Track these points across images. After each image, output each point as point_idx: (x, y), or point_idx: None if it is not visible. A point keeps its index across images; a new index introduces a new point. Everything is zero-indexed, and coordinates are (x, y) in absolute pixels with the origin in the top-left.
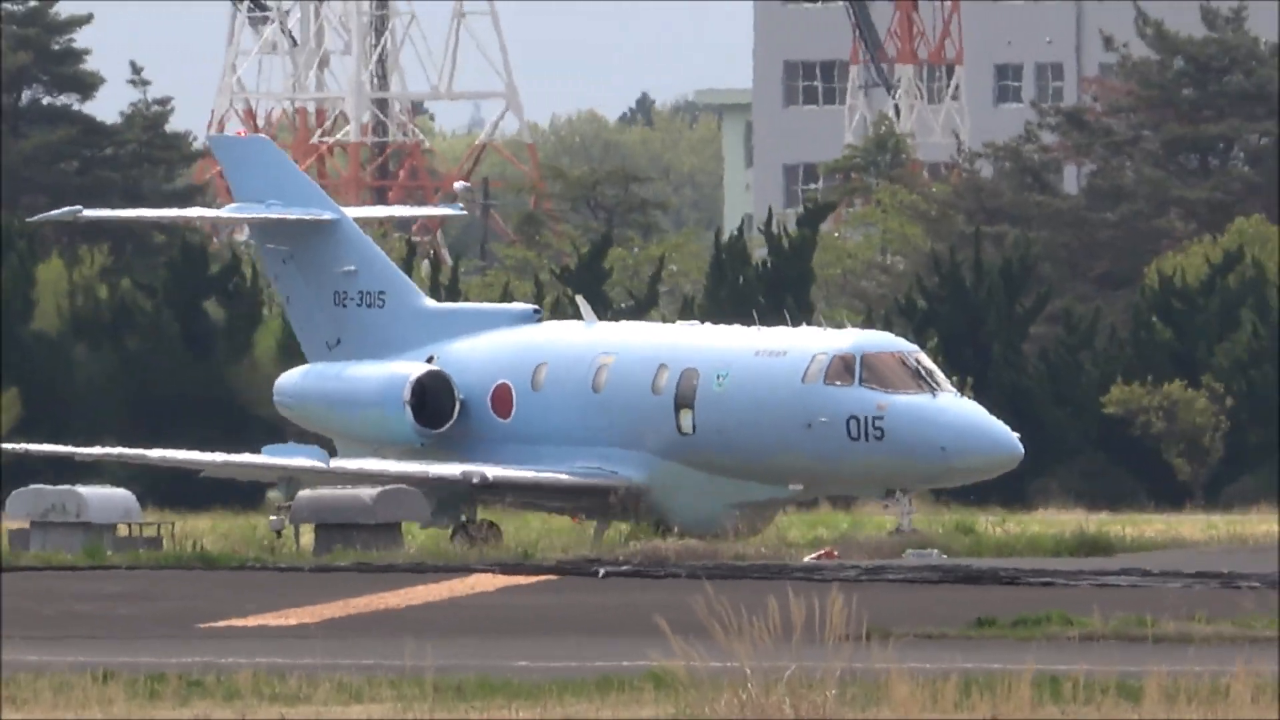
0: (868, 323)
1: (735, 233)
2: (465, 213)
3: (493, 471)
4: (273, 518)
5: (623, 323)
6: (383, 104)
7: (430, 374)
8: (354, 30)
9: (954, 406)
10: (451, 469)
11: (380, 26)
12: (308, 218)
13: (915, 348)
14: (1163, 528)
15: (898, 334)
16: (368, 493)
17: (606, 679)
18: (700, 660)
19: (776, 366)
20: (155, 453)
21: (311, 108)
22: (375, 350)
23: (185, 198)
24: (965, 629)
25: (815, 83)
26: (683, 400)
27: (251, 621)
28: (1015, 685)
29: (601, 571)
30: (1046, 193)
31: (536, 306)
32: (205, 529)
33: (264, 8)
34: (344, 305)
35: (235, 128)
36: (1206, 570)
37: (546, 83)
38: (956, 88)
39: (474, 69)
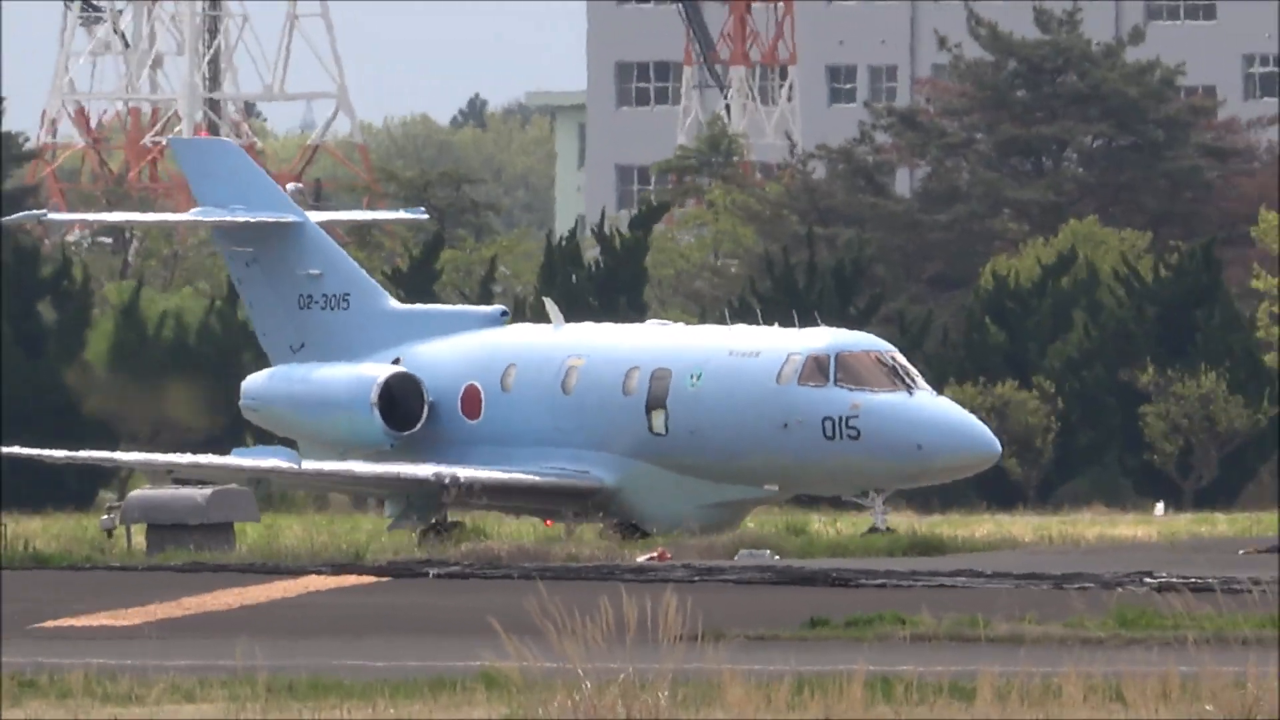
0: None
1: (568, 234)
2: (427, 217)
3: (464, 473)
4: (104, 517)
5: (591, 324)
6: (215, 105)
7: (398, 376)
8: (187, 31)
9: (930, 405)
10: (423, 470)
11: (213, 27)
12: (271, 220)
13: (891, 347)
14: (994, 529)
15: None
16: (200, 493)
17: (439, 679)
18: (533, 661)
19: (750, 366)
20: (126, 456)
21: (145, 109)
22: (340, 353)
23: (17, 200)
24: (798, 630)
25: (648, 84)
26: (655, 401)
27: (84, 621)
28: (848, 686)
29: (432, 573)
30: (880, 194)
31: (504, 308)
32: (37, 529)
33: (96, 8)
34: (308, 308)
35: (67, 129)
36: (1038, 571)
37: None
38: (790, 89)
39: (306, 70)
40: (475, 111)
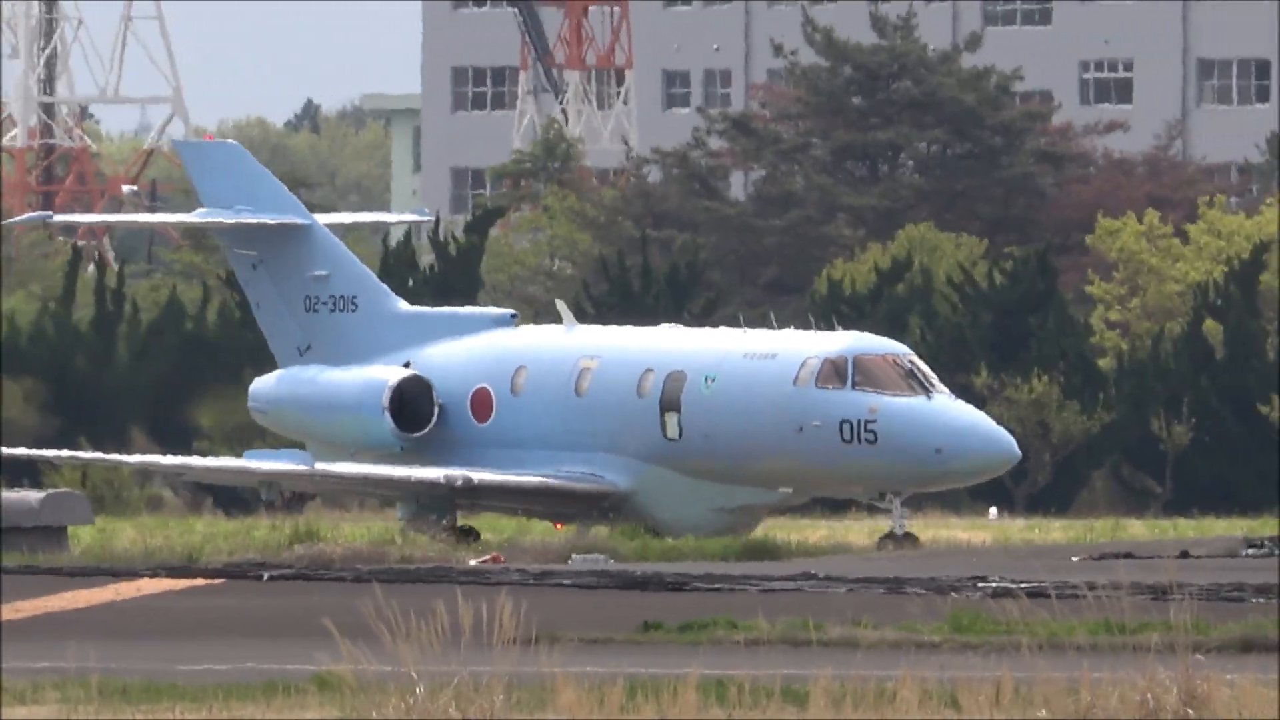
0: None
1: (402, 238)
2: (430, 218)
3: (476, 475)
4: None
5: (605, 326)
6: (49, 108)
7: (409, 379)
8: (21, 33)
9: (948, 408)
10: (434, 473)
11: (48, 30)
12: (278, 222)
13: (907, 350)
14: (828, 533)
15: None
16: (32, 495)
17: (272, 682)
18: (367, 664)
19: (767, 369)
20: (134, 458)
21: None
22: (347, 355)
23: None
24: (632, 633)
25: (484, 88)
26: (669, 403)
27: None
28: (681, 689)
29: (266, 575)
30: (714, 199)
31: (514, 311)
32: None
33: None
34: (315, 310)
35: None
36: (873, 576)
37: (214, 88)
38: (625, 93)
39: (141, 73)
40: (310, 115)
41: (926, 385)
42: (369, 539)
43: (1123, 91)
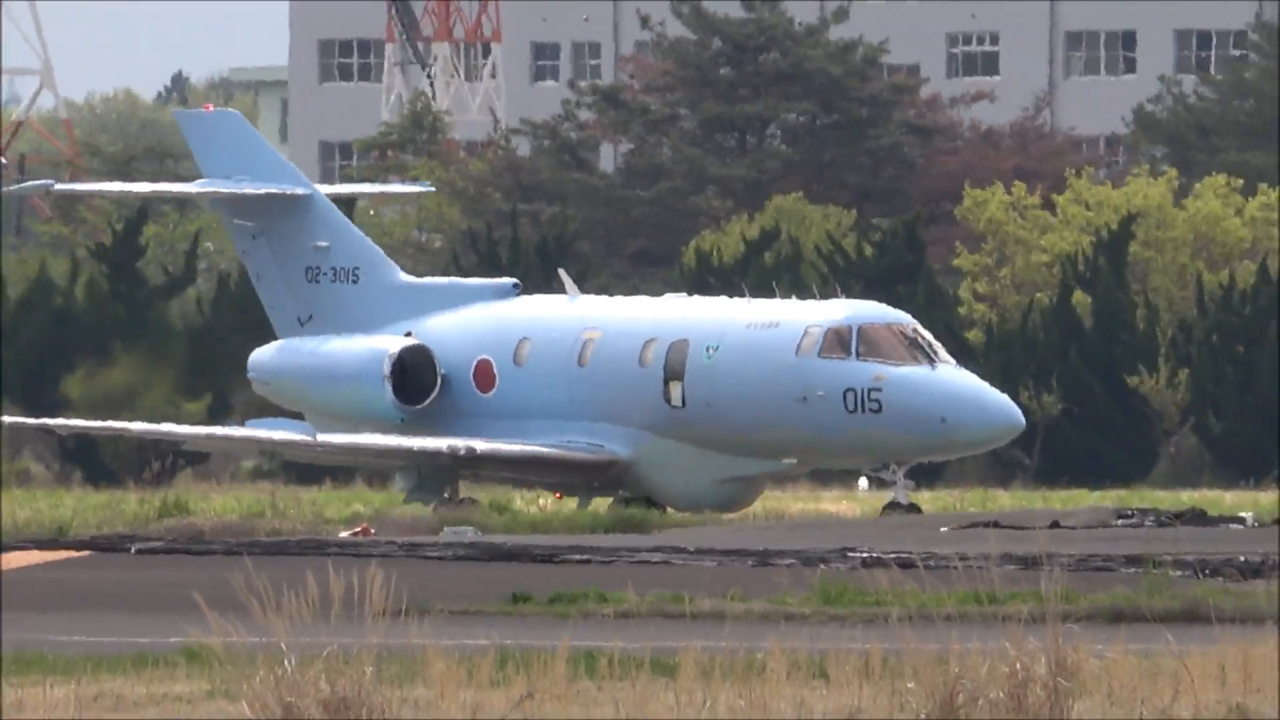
0: None
1: None
2: (433, 189)
3: (480, 445)
4: None
5: (607, 296)
6: None
7: (410, 349)
8: None
9: (953, 377)
10: (437, 443)
11: None
12: (279, 193)
13: (911, 319)
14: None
15: None
16: None
17: (142, 655)
18: (237, 636)
19: (769, 339)
20: (137, 426)
21: None
22: (349, 326)
23: None
24: (502, 605)
25: (351, 60)
26: (672, 373)
27: None
28: (551, 661)
29: (135, 548)
30: (583, 170)
31: (517, 281)
32: None
33: None
34: (316, 281)
35: None
36: (742, 548)
37: (83, 60)
38: (493, 66)
39: (9, 46)
40: (179, 87)
41: (930, 354)
42: (239, 512)
43: (990, 64)
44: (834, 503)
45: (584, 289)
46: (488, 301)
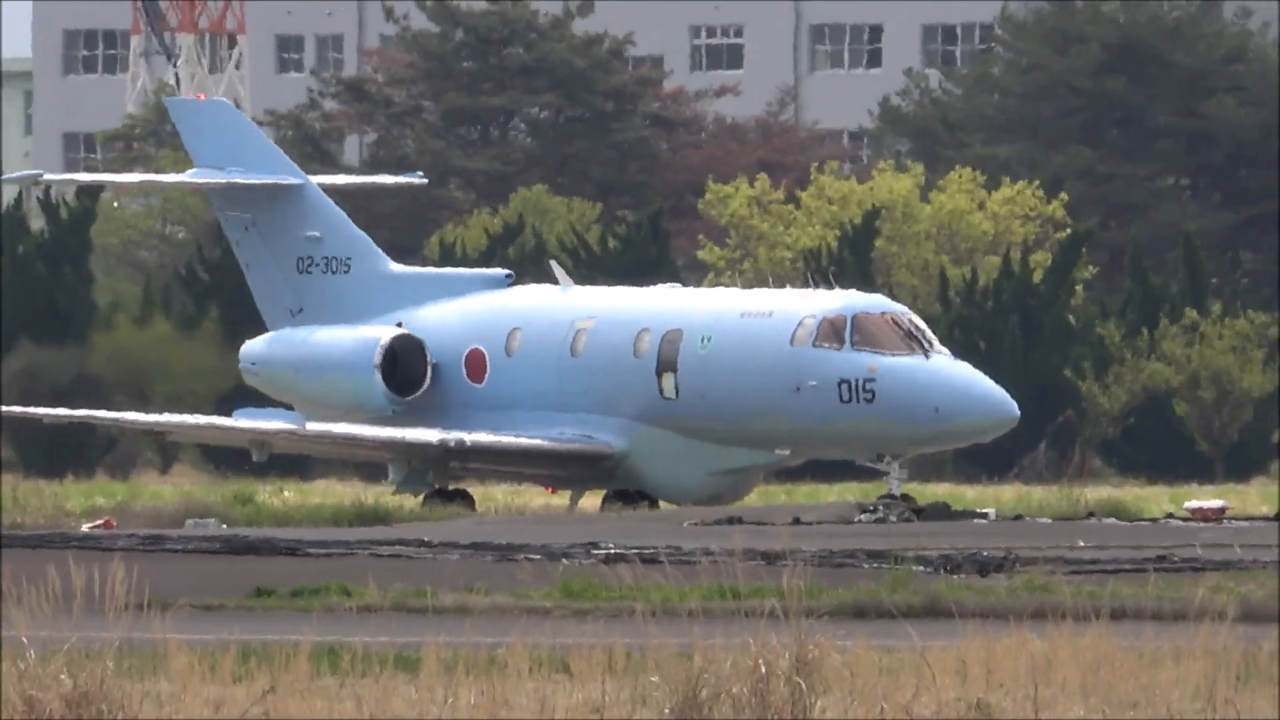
0: (147, 292)
1: (13, 202)
2: (426, 181)
3: (470, 437)
4: None
5: (600, 287)
6: None
7: (401, 339)
8: None
9: (948, 368)
10: (428, 434)
11: None
12: (271, 183)
13: (906, 309)
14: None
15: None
16: None
17: None
18: None
19: (763, 329)
20: (129, 415)
21: None
22: (340, 317)
23: None
24: (244, 599)
25: (96, 51)
26: (665, 364)
27: None
28: (294, 656)
29: None
30: (328, 162)
31: (509, 271)
32: None
33: None
34: (308, 272)
35: None
36: (484, 541)
37: None
38: (238, 57)
39: None
40: None
41: (925, 345)
42: None
43: (734, 57)
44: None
45: None
46: (479, 291)
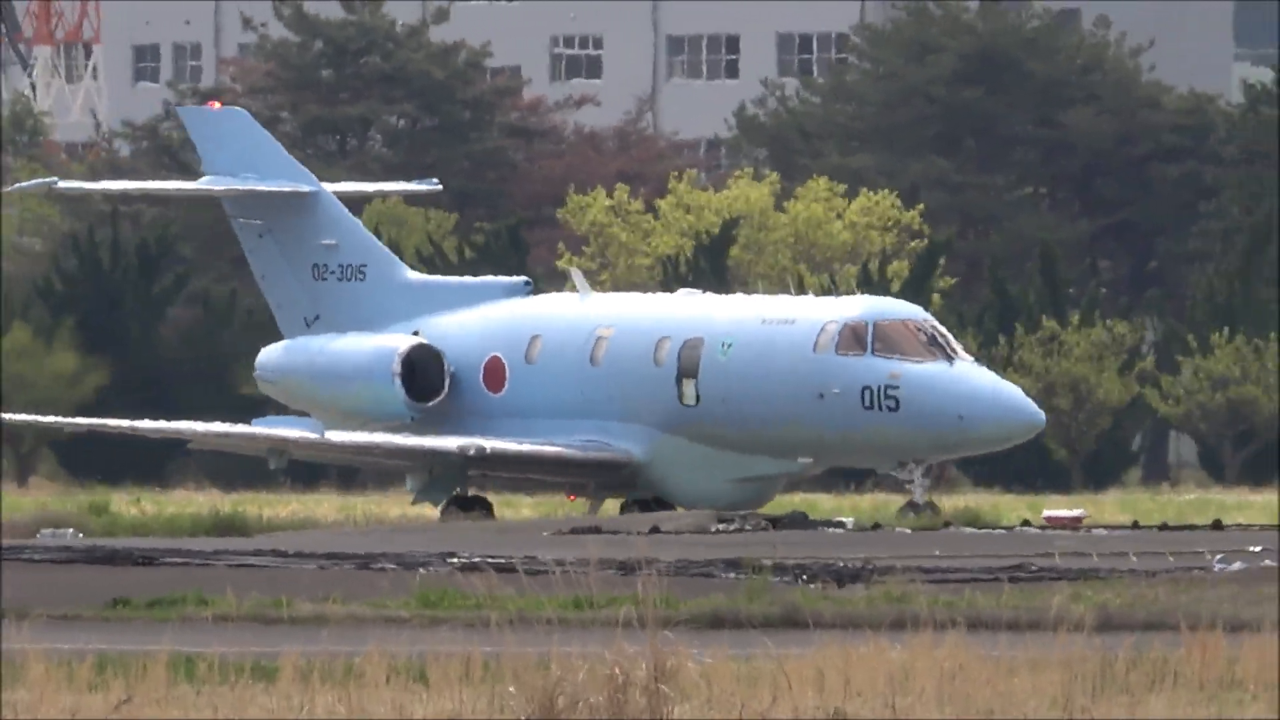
0: (5, 303)
1: None
2: (441, 188)
3: (490, 444)
4: None
5: (620, 294)
6: None
7: (419, 347)
8: None
9: (971, 375)
10: (448, 442)
11: None
12: (285, 190)
13: (928, 315)
14: (297, 508)
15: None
16: None
17: None
18: None
19: (785, 335)
20: (144, 424)
21: None
22: (356, 325)
23: None
24: (101, 609)
25: None
26: (686, 371)
27: None
28: (151, 665)
29: None
30: (184, 172)
31: (528, 278)
32: None
33: None
34: (323, 279)
35: None
36: (340, 551)
37: None
38: (94, 68)
39: None
40: None
41: (948, 351)
42: None
43: (593, 67)
44: (435, 508)
45: (185, 291)
46: (498, 299)
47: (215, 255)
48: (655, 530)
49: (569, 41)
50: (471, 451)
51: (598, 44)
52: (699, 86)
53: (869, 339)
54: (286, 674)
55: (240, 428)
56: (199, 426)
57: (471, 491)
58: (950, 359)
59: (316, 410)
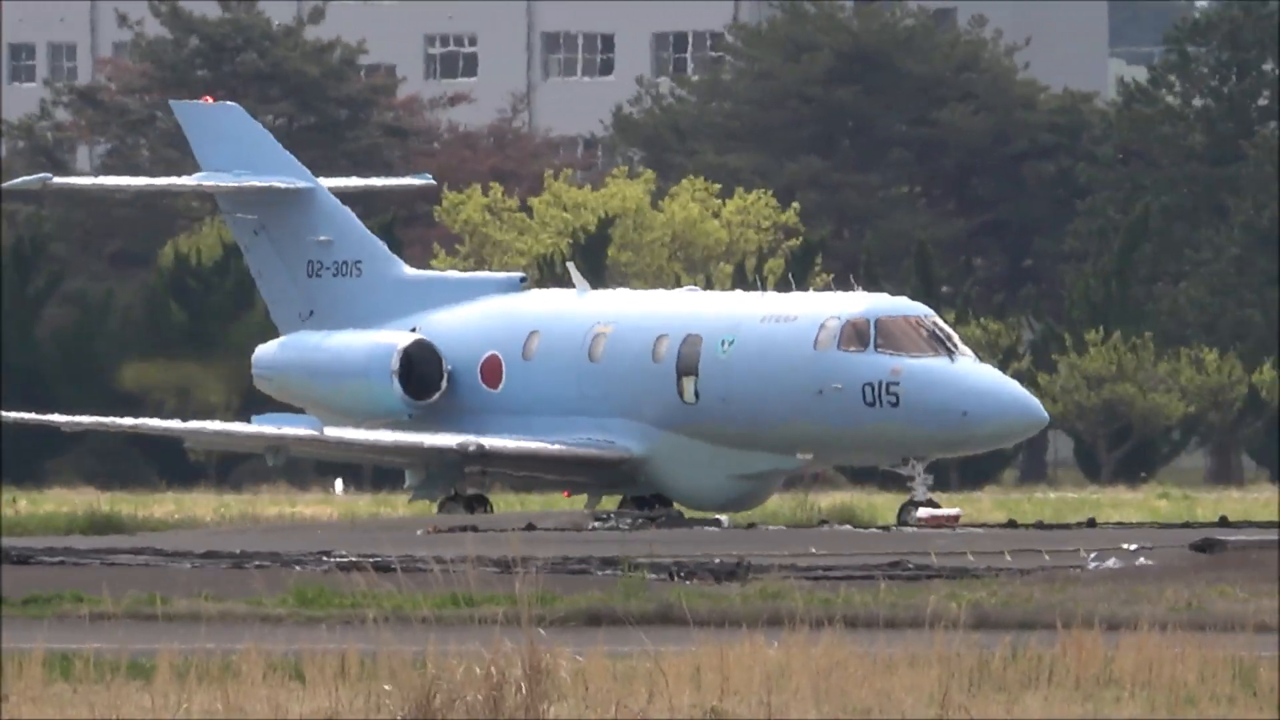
0: None
1: None
2: (434, 183)
3: (488, 441)
4: None
5: (619, 290)
6: None
7: (416, 344)
8: None
9: (974, 371)
10: (446, 439)
11: None
12: (280, 186)
13: (929, 311)
14: (174, 508)
15: None
16: None
17: None
18: None
19: (786, 332)
20: (143, 421)
21: None
22: (351, 322)
23: None
24: None
25: None
26: (685, 367)
27: None
28: (26, 664)
29: None
30: (61, 171)
31: (523, 274)
32: None
33: None
34: (318, 276)
35: None
36: (217, 550)
37: None
38: None
39: None
40: None
41: (950, 347)
42: None
43: (468, 65)
44: (310, 506)
45: (59, 292)
46: (494, 295)
47: (91, 252)
48: (531, 527)
49: (444, 40)
50: (470, 449)
51: (472, 42)
52: (574, 84)
53: (870, 335)
54: (163, 672)
55: (239, 426)
56: (197, 425)
57: (470, 490)
58: (951, 355)
59: (313, 407)
